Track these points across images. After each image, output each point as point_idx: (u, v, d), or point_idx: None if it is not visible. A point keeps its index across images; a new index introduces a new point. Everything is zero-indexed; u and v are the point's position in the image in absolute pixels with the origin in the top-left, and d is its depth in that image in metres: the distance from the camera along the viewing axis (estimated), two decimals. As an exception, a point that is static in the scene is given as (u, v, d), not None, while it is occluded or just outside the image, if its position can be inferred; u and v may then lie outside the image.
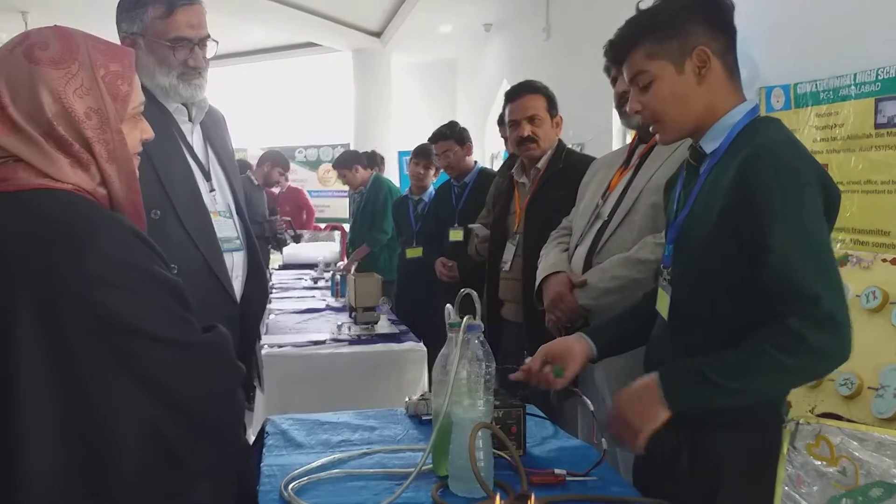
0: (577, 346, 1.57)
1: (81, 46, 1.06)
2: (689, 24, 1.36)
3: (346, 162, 5.39)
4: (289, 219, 5.56)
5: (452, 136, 3.85)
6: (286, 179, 5.98)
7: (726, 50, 1.39)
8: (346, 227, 7.52)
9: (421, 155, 4.44)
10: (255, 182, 5.48)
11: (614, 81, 2.09)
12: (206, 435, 1.05)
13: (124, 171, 1.08)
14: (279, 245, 5.30)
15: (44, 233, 0.97)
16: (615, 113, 2.19)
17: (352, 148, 9.51)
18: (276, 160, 5.67)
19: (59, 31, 1.08)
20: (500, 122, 3.27)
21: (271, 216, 5.30)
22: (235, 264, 1.88)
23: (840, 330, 1.21)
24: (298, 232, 5.64)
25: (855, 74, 2.61)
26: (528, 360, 1.58)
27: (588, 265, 2.03)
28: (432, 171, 4.48)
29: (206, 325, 1.11)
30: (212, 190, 1.86)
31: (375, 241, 5.00)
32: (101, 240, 0.98)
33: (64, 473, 0.93)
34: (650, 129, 1.47)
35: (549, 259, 2.19)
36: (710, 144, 1.40)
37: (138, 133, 1.14)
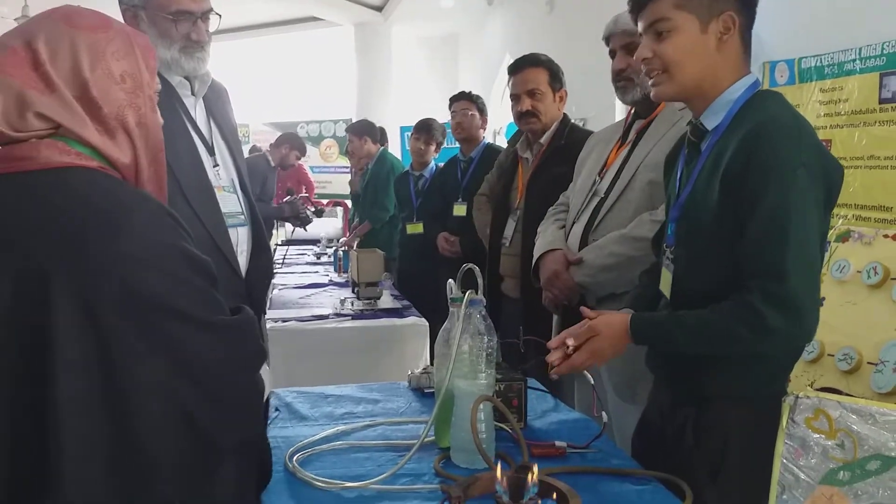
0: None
1: (114, 20, 1.08)
2: None
3: (359, 130, 5.32)
4: (306, 195, 5.57)
5: (475, 101, 3.89)
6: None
7: (746, 28, 1.39)
8: (349, 202, 7.52)
9: (422, 130, 4.43)
10: (272, 163, 5.51)
11: (613, 55, 2.07)
12: (232, 415, 1.04)
13: (152, 139, 1.07)
14: (303, 223, 5.32)
15: (75, 213, 0.95)
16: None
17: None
18: (295, 143, 5.72)
19: (87, 8, 1.08)
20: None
21: (288, 195, 5.31)
22: (240, 239, 1.88)
23: (801, 314, 1.24)
24: (318, 207, 5.65)
25: (860, 49, 2.59)
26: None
27: (585, 242, 2.04)
28: (433, 147, 4.47)
29: (233, 307, 1.09)
30: (215, 165, 1.85)
31: (377, 219, 5.00)
32: (134, 219, 0.96)
33: (101, 452, 0.92)
34: (650, 81, 1.43)
35: (545, 237, 2.19)
36: (711, 120, 1.39)
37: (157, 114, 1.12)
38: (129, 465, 0.93)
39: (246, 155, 4.16)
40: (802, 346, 1.32)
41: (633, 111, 2.11)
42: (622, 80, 2.03)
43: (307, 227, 5.37)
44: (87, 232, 0.93)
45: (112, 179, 1.02)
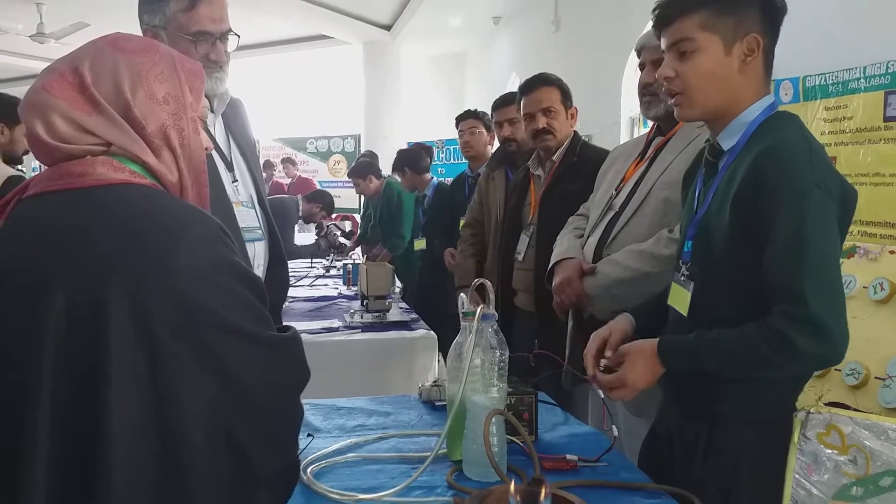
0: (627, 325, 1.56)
1: (162, 45, 1.10)
2: (750, 9, 1.35)
3: (361, 171, 5.49)
4: (333, 221, 5.73)
5: (481, 119, 3.96)
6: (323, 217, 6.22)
7: (769, 49, 1.39)
8: (357, 217, 7.61)
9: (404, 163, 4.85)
10: (300, 212, 5.84)
11: (642, 67, 2.04)
12: (273, 440, 1.03)
13: (195, 160, 1.09)
14: (341, 251, 5.45)
15: (131, 228, 0.95)
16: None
17: (362, 139, 9.60)
18: (326, 205, 6.06)
19: (135, 34, 1.11)
20: (498, 124, 3.27)
21: (318, 229, 5.45)
22: (257, 254, 1.89)
23: (827, 334, 1.21)
24: (343, 227, 5.77)
25: (864, 67, 2.61)
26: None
27: (598, 256, 2.04)
28: (424, 174, 4.88)
29: (280, 326, 1.09)
30: (234, 181, 1.87)
31: (396, 247, 5.12)
32: (191, 234, 0.96)
33: (148, 477, 0.90)
34: (671, 101, 1.43)
35: (563, 245, 2.20)
36: (727, 141, 1.40)
37: (204, 137, 1.13)
38: (174, 490, 0.91)
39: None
40: (833, 365, 1.29)
41: (655, 126, 2.10)
42: (648, 95, 2.01)
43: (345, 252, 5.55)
44: (144, 247, 0.93)
45: (167, 195, 1.03)
